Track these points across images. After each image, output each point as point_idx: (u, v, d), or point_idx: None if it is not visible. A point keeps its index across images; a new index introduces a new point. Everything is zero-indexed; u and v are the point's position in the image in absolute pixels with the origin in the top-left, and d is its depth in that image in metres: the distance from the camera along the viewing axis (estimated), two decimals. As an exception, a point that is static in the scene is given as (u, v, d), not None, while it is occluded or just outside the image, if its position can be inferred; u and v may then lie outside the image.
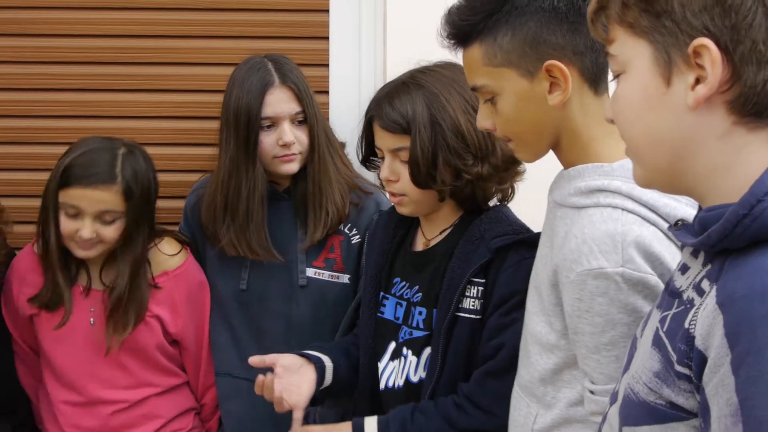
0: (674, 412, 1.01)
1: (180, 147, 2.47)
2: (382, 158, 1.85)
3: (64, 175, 2.04)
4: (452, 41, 1.50)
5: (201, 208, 2.22)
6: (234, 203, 2.14)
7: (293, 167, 2.16)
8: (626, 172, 1.36)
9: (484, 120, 1.51)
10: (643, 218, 1.35)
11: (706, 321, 0.94)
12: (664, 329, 1.04)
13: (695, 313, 0.97)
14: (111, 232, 2.07)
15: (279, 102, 2.13)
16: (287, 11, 2.47)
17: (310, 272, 2.19)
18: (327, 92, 2.46)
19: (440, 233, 1.88)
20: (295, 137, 2.14)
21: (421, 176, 1.77)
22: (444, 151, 1.76)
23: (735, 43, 0.95)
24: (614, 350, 1.34)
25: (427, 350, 1.82)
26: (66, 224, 2.06)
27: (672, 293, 1.09)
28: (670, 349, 1.01)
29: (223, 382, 2.25)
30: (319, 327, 2.18)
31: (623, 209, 1.35)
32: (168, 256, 2.20)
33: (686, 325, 0.98)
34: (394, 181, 1.82)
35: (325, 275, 2.19)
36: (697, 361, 0.95)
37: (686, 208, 1.36)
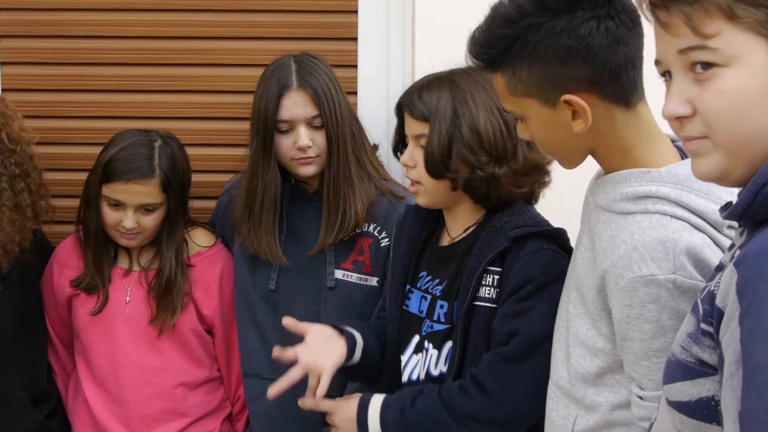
0: (702, 368, 1.09)
1: (211, 147, 2.50)
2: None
3: (105, 170, 2.14)
4: (481, 63, 1.52)
5: (234, 208, 2.26)
6: (251, 202, 2.18)
7: (310, 170, 2.17)
8: (674, 178, 1.38)
9: (522, 133, 1.55)
10: (692, 225, 1.36)
11: (725, 281, 1.01)
12: (702, 296, 1.11)
13: (720, 276, 1.05)
14: (151, 222, 2.17)
15: (295, 105, 2.13)
16: (316, 12, 2.49)
17: (339, 274, 2.20)
18: (355, 93, 2.48)
19: (464, 231, 1.90)
20: (312, 140, 2.14)
21: (435, 164, 1.79)
22: (459, 144, 1.78)
23: None
24: (664, 356, 1.32)
25: (448, 344, 1.83)
26: (109, 215, 2.17)
27: (717, 269, 1.15)
28: (699, 310, 1.09)
29: (252, 383, 2.26)
30: None
31: (672, 216, 1.36)
32: (202, 239, 2.30)
33: (711, 288, 1.06)
34: (411, 167, 1.86)
35: (353, 277, 2.20)
36: (717, 317, 1.03)
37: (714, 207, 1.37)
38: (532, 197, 1.88)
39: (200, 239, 2.30)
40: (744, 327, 0.95)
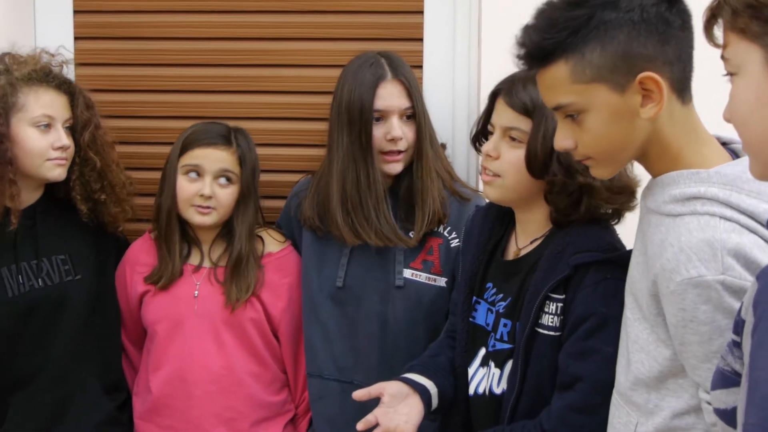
0: (735, 378, 1.11)
1: (280, 148, 2.53)
2: (491, 134, 1.84)
3: (185, 141, 2.24)
4: (529, 61, 1.48)
5: (303, 210, 2.26)
6: (354, 195, 2.16)
7: (397, 168, 2.18)
8: (723, 179, 1.36)
9: (565, 140, 1.49)
10: (742, 226, 1.34)
11: (749, 293, 1.04)
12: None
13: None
14: (226, 196, 2.23)
15: (390, 96, 2.15)
16: (382, 13, 2.50)
17: (407, 273, 2.18)
18: (420, 66, 2.48)
19: (531, 243, 1.85)
20: (403, 133, 2.15)
21: (537, 163, 1.74)
22: None
23: None
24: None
25: (510, 363, 1.80)
26: (187, 186, 2.23)
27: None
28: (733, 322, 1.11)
29: (315, 382, 2.26)
30: (414, 329, 2.17)
31: (721, 217, 1.34)
32: (272, 241, 2.33)
33: (744, 300, 1.09)
34: (493, 158, 1.80)
35: (422, 277, 2.18)
36: (740, 328, 1.06)
37: None
38: (617, 217, 1.81)
39: (271, 241, 2.33)
40: (753, 340, 0.98)
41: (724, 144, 1.48)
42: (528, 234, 1.86)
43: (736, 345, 1.11)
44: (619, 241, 1.80)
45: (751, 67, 1.10)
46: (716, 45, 1.16)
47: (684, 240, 1.35)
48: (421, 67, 2.50)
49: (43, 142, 2.10)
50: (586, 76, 1.41)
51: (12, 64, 2.11)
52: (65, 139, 2.12)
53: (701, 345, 1.36)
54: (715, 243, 1.32)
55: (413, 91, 2.16)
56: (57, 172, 2.13)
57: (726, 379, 1.14)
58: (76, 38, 2.56)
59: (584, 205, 1.75)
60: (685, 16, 1.39)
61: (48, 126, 2.11)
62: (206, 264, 2.29)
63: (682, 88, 1.41)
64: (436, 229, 2.20)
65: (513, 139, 1.78)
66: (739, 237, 1.33)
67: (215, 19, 2.53)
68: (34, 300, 2.13)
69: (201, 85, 2.54)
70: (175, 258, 2.26)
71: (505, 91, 1.80)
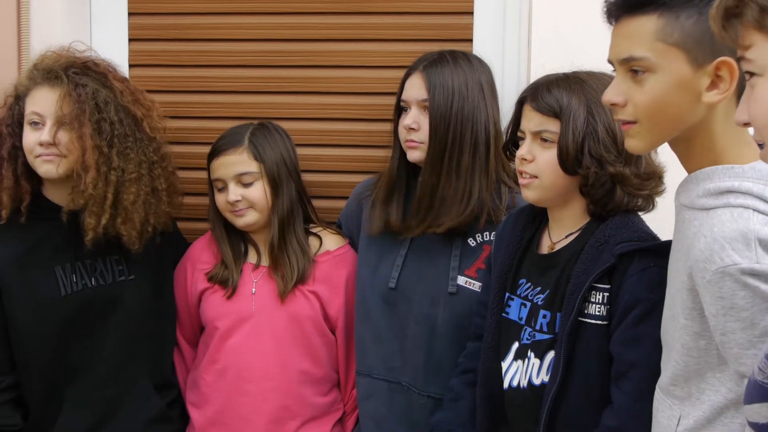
0: None
1: (330, 148, 2.56)
2: (522, 141, 1.88)
3: (208, 157, 2.30)
4: (621, 6, 1.47)
5: (363, 211, 2.31)
6: (389, 180, 2.26)
7: (414, 154, 2.19)
8: (757, 174, 1.38)
9: (616, 94, 1.50)
10: None
11: None
12: None
13: None
14: (255, 194, 2.26)
15: (411, 87, 2.18)
16: (431, 14, 2.51)
17: (461, 281, 2.17)
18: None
19: (566, 237, 1.89)
20: (419, 123, 2.16)
21: (569, 160, 1.78)
22: (593, 141, 1.78)
23: None
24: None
25: (550, 354, 1.82)
26: (218, 198, 2.29)
27: None
28: None
29: (364, 381, 2.27)
30: (462, 335, 2.15)
31: (754, 209, 1.36)
32: (331, 239, 2.36)
33: None
34: (529, 161, 1.85)
35: (475, 286, 2.15)
36: None
37: None
38: (649, 204, 1.86)
39: (329, 239, 2.35)
40: None
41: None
42: (563, 229, 1.90)
43: None
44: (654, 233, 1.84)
45: None
46: (733, 44, 1.15)
47: (717, 230, 1.36)
48: (471, 41, 2.49)
49: (31, 139, 2.11)
50: (672, 38, 1.42)
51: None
52: (45, 135, 2.09)
53: (744, 331, 1.36)
54: (748, 233, 1.33)
55: (431, 85, 2.14)
56: (44, 169, 2.12)
57: (765, 392, 1.13)
58: (130, 40, 2.61)
59: (618, 194, 1.80)
60: None
61: (39, 123, 2.11)
62: (264, 262, 2.32)
63: (742, 88, 1.39)
64: (492, 238, 2.14)
65: (544, 140, 1.83)
66: None
67: (267, 21, 2.56)
68: (86, 299, 2.16)
69: (253, 86, 2.57)
70: (234, 258, 2.30)
71: (530, 97, 1.86)
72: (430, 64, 2.17)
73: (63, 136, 2.09)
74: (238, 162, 2.26)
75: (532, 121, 1.85)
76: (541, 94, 1.83)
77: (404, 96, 2.20)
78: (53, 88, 2.10)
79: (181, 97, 2.60)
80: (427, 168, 2.15)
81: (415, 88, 2.17)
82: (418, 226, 2.17)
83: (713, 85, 1.41)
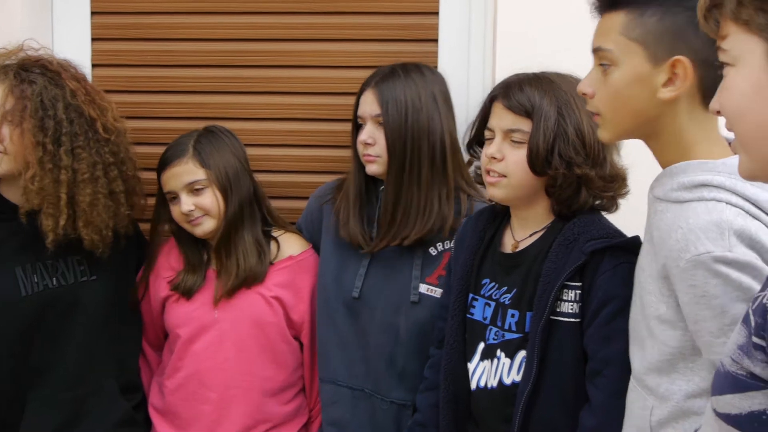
0: (753, 382, 1.10)
1: (293, 149, 2.55)
2: (489, 140, 1.89)
3: (158, 170, 2.28)
4: (598, 5, 1.55)
5: (324, 214, 2.31)
6: (346, 192, 2.27)
7: (372, 168, 2.21)
8: (729, 169, 1.41)
9: (588, 85, 1.56)
10: (747, 212, 1.39)
11: None
12: (753, 307, 1.12)
13: None
14: (206, 201, 2.24)
15: (365, 103, 2.21)
16: (396, 14, 2.51)
17: (423, 288, 2.17)
18: (435, 68, 2.47)
19: (530, 236, 1.90)
20: (374, 139, 2.18)
21: (539, 161, 1.80)
22: (563, 142, 1.80)
23: None
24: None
25: (521, 353, 1.83)
26: (173, 210, 2.27)
27: None
28: (751, 322, 1.11)
29: (327, 388, 2.26)
30: (425, 343, 2.15)
31: (727, 203, 1.40)
32: (293, 244, 2.33)
33: (764, 300, 1.08)
34: (498, 160, 1.85)
35: (437, 293, 2.15)
36: (765, 328, 1.05)
37: None
38: (612, 205, 1.88)
39: (292, 243, 2.33)
40: None
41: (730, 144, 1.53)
42: (527, 228, 1.91)
43: (758, 348, 1.09)
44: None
45: (751, 59, 1.11)
46: (714, 35, 1.17)
47: (692, 222, 1.40)
48: (435, 67, 2.49)
49: None
50: (633, 34, 1.48)
51: None
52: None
53: (715, 319, 1.39)
54: (722, 223, 1.37)
55: (383, 100, 2.16)
56: None
57: (740, 384, 1.12)
58: (93, 39, 2.58)
59: (583, 195, 1.83)
60: None
61: None
62: (216, 269, 2.30)
63: (707, 92, 1.44)
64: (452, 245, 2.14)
65: (514, 140, 1.84)
66: (744, 221, 1.38)
67: (231, 21, 2.54)
68: (47, 299, 2.14)
69: (218, 86, 2.56)
70: (195, 267, 2.29)
71: (502, 95, 1.86)
72: (382, 79, 2.19)
73: (5, 132, 2.07)
74: (184, 172, 2.24)
75: (503, 119, 1.85)
76: (513, 92, 1.84)
77: (359, 112, 2.22)
78: None
79: (144, 97, 2.58)
80: (389, 183, 2.17)
81: (368, 104, 2.19)
82: (382, 240, 2.18)
83: (669, 81, 1.46)
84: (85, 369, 2.18)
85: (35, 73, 2.10)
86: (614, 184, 1.85)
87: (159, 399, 2.31)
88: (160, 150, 2.37)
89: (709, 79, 1.44)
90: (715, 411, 1.17)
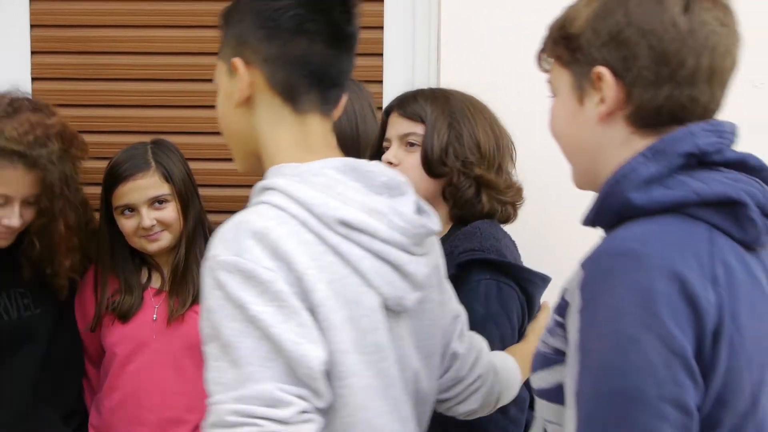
0: (557, 357, 1.23)
1: (231, 162, 2.51)
2: (387, 149, 1.91)
3: (108, 181, 2.20)
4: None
5: None
6: None
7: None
8: (294, 170, 1.33)
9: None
10: (292, 215, 1.28)
11: (574, 278, 1.17)
12: (560, 293, 1.27)
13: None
14: (169, 215, 2.20)
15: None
16: (342, 28, 2.51)
17: None
18: (380, 82, 2.50)
19: None
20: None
21: (433, 161, 1.81)
22: (457, 143, 1.83)
23: (625, 71, 1.19)
24: (230, 353, 1.21)
25: None
26: (127, 224, 2.19)
27: None
28: (556, 305, 1.25)
29: None
30: None
31: (273, 205, 1.29)
32: None
33: (566, 285, 1.23)
34: (395, 165, 1.87)
35: None
36: (565, 308, 1.19)
37: (356, 212, 1.30)
38: (510, 215, 1.91)
39: None
40: (583, 319, 1.11)
41: None
42: None
43: (559, 325, 1.22)
44: (507, 247, 1.86)
45: (564, 90, 1.26)
46: (544, 71, 1.31)
47: (226, 225, 1.29)
48: (381, 82, 2.50)
49: None
50: (221, 49, 1.43)
51: None
52: (15, 220, 2.02)
53: (213, 338, 1.24)
54: (241, 224, 1.26)
55: None
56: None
57: (548, 360, 1.26)
58: (33, 52, 2.54)
59: (483, 199, 1.85)
60: (300, 21, 1.36)
61: (3, 204, 2.02)
62: (167, 287, 2.25)
63: (291, 94, 1.38)
64: None
65: (410, 144, 1.87)
66: (276, 225, 1.26)
67: (172, 34, 2.52)
68: None
69: (158, 100, 2.53)
70: (133, 288, 2.23)
71: (397, 106, 1.92)
72: None
73: (27, 215, 2.05)
74: (150, 185, 2.18)
75: (399, 126, 1.89)
76: (408, 102, 1.89)
77: None
78: (16, 168, 2.00)
79: (85, 111, 2.53)
80: None
81: None
82: None
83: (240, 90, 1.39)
84: (30, 402, 2.13)
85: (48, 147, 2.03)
86: (511, 190, 1.88)
87: (97, 419, 2.26)
88: (101, 164, 2.34)
89: (280, 80, 1.36)
90: (534, 389, 1.30)
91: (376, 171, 1.37)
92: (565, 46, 1.24)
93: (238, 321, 1.22)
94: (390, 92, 2.49)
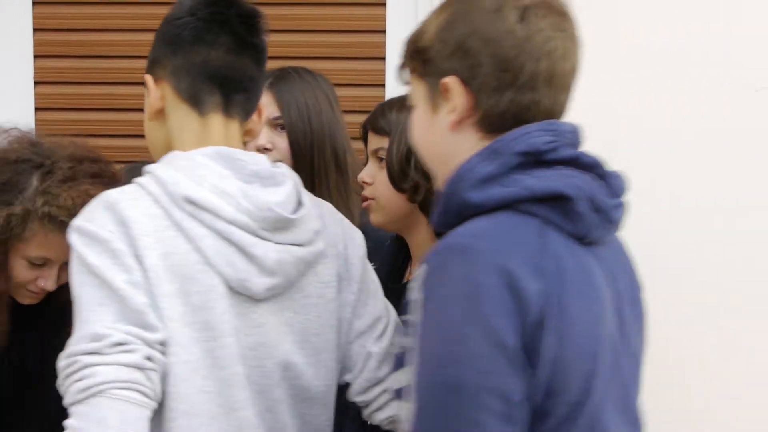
0: (408, 356, 1.22)
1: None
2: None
3: None
4: None
5: None
6: None
7: None
8: (169, 156, 1.43)
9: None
10: (148, 192, 1.37)
11: (419, 274, 1.19)
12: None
13: None
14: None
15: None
16: (345, 32, 2.53)
17: None
18: (383, 85, 2.51)
19: (419, 266, 1.82)
20: (273, 143, 2.04)
21: (395, 172, 1.76)
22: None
23: (471, 79, 1.22)
24: (77, 305, 1.33)
25: None
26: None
27: None
28: (405, 304, 1.26)
29: None
30: None
31: (137, 183, 1.40)
32: None
33: (412, 282, 1.22)
34: (368, 184, 1.84)
35: None
36: (412, 305, 1.21)
37: (205, 192, 1.36)
38: None
39: None
40: (422, 312, 1.15)
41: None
42: (417, 258, 1.85)
43: (407, 323, 1.24)
44: None
45: (420, 101, 1.29)
46: (405, 83, 1.34)
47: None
48: (383, 86, 2.51)
49: (28, 276, 1.83)
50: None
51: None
52: (51, 283, 1.84)
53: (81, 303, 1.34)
54: (101, 198, 1.39)
55: (284, 103, 2.08)
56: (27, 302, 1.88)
57: (399, 360, 1.30)
58: (36, 56, 2.55)
59: None
60: (198, 32, 1.46)
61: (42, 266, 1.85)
62: None
63: (196, 99, 1.46)
64: None
65: (381, 159, 1.83)
66: (130, 198, 1.37)
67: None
68: None
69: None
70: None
71: (368, 120, 1.89)
72: (277, 79, 2.06)
73: (64, 277, 1.84)
74: None
75: (371, 142, 1.86)
76: (377, 116, 1.85)
77: None
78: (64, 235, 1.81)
79: (88, 114, 2.55)
80: None
81: (265, 106, 1.90)
82: None
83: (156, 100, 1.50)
84: None
85: None
86: None
87: None
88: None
89: (184, 86, 1.45)
90: (393, 392, 1.35)
91: (247, 160, 1.43)
92: (417, 59, 1.29)
93: (82, 274, 1.34)
94: (392, 96, 2.49)
